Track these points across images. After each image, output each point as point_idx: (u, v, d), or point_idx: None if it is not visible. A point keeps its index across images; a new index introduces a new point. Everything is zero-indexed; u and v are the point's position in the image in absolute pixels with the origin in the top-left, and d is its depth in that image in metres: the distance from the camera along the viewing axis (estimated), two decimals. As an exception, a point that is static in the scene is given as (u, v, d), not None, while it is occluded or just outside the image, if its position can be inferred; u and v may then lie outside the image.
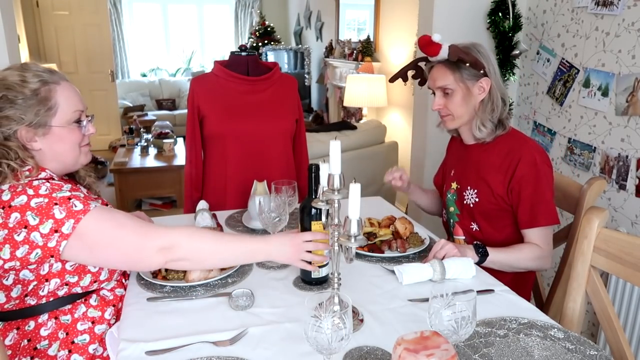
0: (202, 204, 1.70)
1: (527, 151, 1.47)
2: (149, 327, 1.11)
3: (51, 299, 1.18)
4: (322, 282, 1.30)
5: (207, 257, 1.20)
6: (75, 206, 1.10)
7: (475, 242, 1.45)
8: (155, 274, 1.31)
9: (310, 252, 1.19)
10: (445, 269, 1.30)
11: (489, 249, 1.42)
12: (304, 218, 1.27)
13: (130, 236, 1.14)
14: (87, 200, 1.13)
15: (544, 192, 1.45)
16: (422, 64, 1.62)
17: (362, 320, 1.13)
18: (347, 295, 0.90)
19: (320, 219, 1.24)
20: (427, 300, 1.14)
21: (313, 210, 1.25)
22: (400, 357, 0.80)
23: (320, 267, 1.27)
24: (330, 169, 0.99)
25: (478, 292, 1.07)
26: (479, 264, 1.40)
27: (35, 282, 1.14)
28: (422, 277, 1.30)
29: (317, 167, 1.21)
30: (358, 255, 1.44)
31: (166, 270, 1.31)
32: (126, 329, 1.10)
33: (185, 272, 1.29)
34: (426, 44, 1.49)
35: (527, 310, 1.19)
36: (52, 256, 1.09)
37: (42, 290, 1.15)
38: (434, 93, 1.56)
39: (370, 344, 1.04)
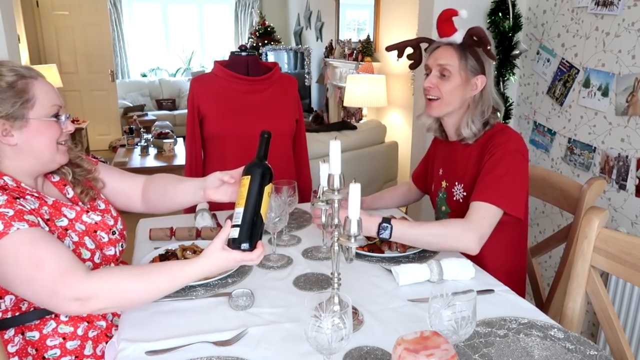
0: (202, 204, 1.70)
1: (503, 138, 1.45)
2: (149, 327, 1.11)
3: (17, 313, 1.15)
4: None
5: (135, 300, 1.10)
6: None
7: (383, 217, 1.35)
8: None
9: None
10: (442, 270, 1.30)
11: (397, 223, 1.33)
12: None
13: (45, 280, 1.01)
14: (14, 220, 1.03)
15: (503, 174, 1.40)
16: (423, 45, 1.60)
17: (362, 320, 1.13)
18: (347, 295, 0.90)
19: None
20: (427, 300, 1.14)
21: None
22: (400, 357, 0.80)
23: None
24: (330, 169, 0.99)
25: (478, 292, 1.07)
26: (383, 239, 1.35)
27: None
28: (419, 278, 1.30)
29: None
30: (358, 255, 1.44)
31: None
32: (126, 329, 1.10)
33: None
34: (446, 19, 1.46)
35: (527, 310, 1.19)
36: None
37: (0, 306, 1.14)
38: (427, 73, 1.53)
39: (370, 344, 1.04)
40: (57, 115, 1.18)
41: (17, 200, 1.09)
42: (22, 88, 1.11)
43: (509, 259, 1.55)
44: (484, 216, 1.36)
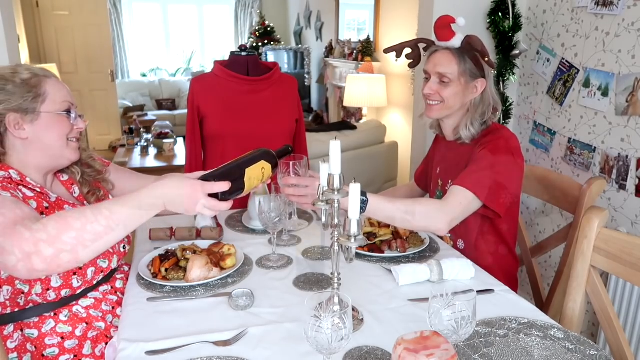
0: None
1: (496, 136, 1.46)
2: (149, 327, 1.11)
3: (16, 309, 1.16)
4: None
5: (87, 233, 0.97)
6: None
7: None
8: (155, 274, 1.31)
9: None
10: (442, 270, 1.30)
11: (373, 197, 1.30)
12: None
13: None
14: None
15: (488, 167, 1.40)
16: (422, 45, 1.60)
17: (362, 320, 1.13)
18: (347, 295, 0.90)
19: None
20: (427, 300, 1.14)
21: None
22: (400, 357, 0.80)
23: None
24: (330, 169, 0.99)
25: (478, 292, 1.07)
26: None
27: None
28: (419, 278, 1.30)
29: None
30: (358, 255, 1.44)
31: (166, 270, 1.31)
32: (126, 329, 1.10)
33: (185, 272, 1.29)
34: (444, 25, 1.46)
35: (527, 310, 1.19)
36: None
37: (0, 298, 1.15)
38: (426, 78, 1.54)
39: (370, 344, 1.04)
40: (68, 112, 1.22)
41: (14, 187, 1.12)
42: (35, 84, 1.18)
43: (498, 257, 1.56)
44: (460, 201, 1.37)
